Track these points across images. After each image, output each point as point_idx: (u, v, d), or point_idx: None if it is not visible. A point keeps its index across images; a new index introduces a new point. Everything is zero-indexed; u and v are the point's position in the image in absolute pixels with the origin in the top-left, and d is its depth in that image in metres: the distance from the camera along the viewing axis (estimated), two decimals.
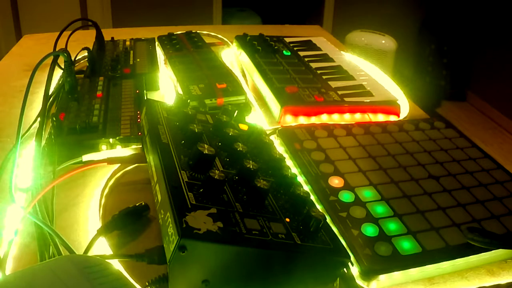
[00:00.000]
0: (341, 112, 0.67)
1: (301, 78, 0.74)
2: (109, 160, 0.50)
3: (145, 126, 0.47)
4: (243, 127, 0.50)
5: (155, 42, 0.90)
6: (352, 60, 0.87)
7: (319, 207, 0.46)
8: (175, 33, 0.94)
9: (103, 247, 0.41)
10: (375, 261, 0.40)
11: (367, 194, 0.48)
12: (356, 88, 0.72)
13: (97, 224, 0.45)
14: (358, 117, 0.68)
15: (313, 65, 0.81)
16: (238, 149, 0.42)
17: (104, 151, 0.52)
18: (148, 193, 0.43)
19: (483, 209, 0.47)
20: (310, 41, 0.95)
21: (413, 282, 0.41)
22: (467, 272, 0.43)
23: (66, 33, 0.81)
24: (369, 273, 0.39)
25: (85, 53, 0.77)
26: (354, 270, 0.40)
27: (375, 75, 0.80)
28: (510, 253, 0.44)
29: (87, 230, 0.45)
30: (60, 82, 0.71)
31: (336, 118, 0.67)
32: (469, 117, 2.57)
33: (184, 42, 0.88)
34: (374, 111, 0.68)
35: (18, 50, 0.98)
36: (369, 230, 0.43)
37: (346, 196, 0.47)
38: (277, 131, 0.59)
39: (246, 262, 0.33)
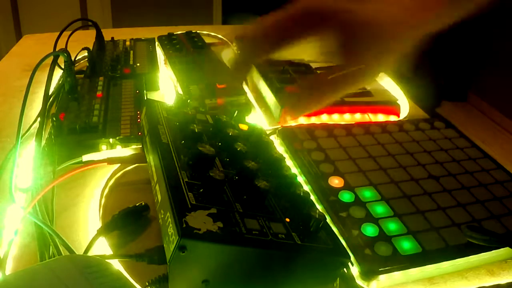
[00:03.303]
0: (341, 112, 0.67)
1: (301, 78, 0.74)
2: (109, 160, 0.50)
3: (145, 126, 0.47)
4: (243, 127, 0.50)
5: (155, 42, 0.90)
6: None
7: (319, 207, 0.46)
8: (175, 33, 0.93)
9: (103, 247, 0.41)
10: (375, 261, 0.40)
11: (367, 194, 0.48)
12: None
13: (97, 224, 0.45)
14: (358, 117, 0.68)
15: (313, 65, 0.81)
16: (238, 149, 0.42)
17: (104, 151, 0.52)
18: (148, 193, 0.43)
19: (483, 209, 0.47)
20: None
21: (413, 282, 0.41)
22: (467, 272, 0.43)
23: (66, 33, 0.81)
24: (369, 273, 0.39)
25: (85, 53, 0.77)
26: (354, 270, 0.40)
27: None
28: (510, 253, 0.44)
29: (87, 230, 0.45)
30: (60, 82, 0.71)
31: (336, 118, 0.67)
32: (469, 117, 2.57)
33: (184, 42, 0.88)
34: (374, 111, 0.68)
35: (18, 50, 0.98)
36: (369, 230, 0.43)
37: (346, 196, 0.47)
38: (277, 131, 0.59)
39: (246, 262, 0.33)
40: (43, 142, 0.55)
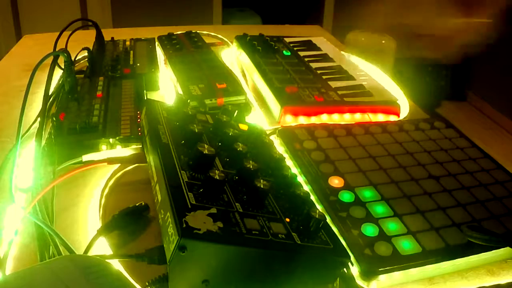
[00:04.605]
0: (341, 112, 0.67)
1: (301, 78, 0.74)
2: (109, 160, 0.50)
3: (145, 126, 0.47)
4: (243, 127, 0.50)
5: (155, 42, 0.90)
6: (352, 60, 0.87)
7: (319, 207, 0.46)
8: (175, 33, 0.94)
9: (103, 247, 0.41)
10: (375, 261, 0.40)
11: (367, 194, 0.48)
12: (356, 88, 0.72)
13: (97, 224, 0.45)
14: (358, 117, 0.68)
15: (313, 65, 0.81)
16: (238, 149, 0.42)
17: (104, 151, 0.52)
18: (148, 193, 0.43)
19: (483, 209, 0.47)
20: (310, 41, 0.95)
21: (413, 282, 0.41)
22: (467, 272, 0.43)
23: (66, 33, 0.81)
24: (369, 273, 0.39)
25: (85, 53, 0.77)
26: (354, 270, 0.40)
27: (375, 75, 0.80)
28: (510, 253, 0.44)
29: (87, 230, 0.45)
30: (60, 82, 0.71)
31: (336, 118, 0.67)
32: (469, 117, 2.57)
33: (184, 42, 0.88)
34: (374, 111, 0.68)
35: (18, 50, 0.98)
36: (369, 230, 0.43)
37: (346, 196, 0.47)
38: (277, 131, 0.59)
39: (246, 262, 0.33)
40: (43, 142, 0.55)
